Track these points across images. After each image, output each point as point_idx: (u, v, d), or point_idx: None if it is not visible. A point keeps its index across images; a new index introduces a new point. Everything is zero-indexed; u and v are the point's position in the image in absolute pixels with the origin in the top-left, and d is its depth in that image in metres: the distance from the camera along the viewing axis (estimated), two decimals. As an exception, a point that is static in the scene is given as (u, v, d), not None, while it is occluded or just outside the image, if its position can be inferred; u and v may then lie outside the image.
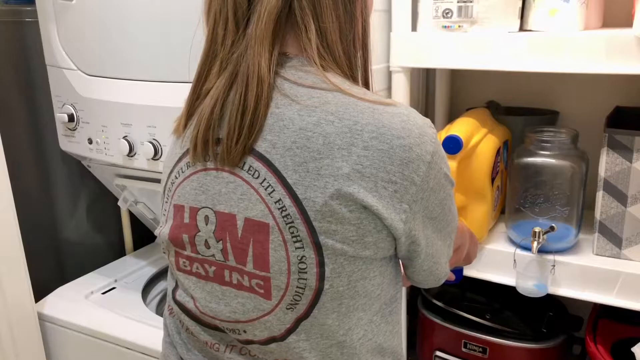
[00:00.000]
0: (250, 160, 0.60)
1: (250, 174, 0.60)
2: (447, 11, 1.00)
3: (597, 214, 1.01)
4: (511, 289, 1.06)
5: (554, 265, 1.02)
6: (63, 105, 1.25)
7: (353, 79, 0.65)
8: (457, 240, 0.74)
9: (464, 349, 1.20)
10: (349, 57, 0.64)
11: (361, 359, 0.65)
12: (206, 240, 0.64)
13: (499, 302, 1.22)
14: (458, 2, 0.98)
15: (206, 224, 0.63)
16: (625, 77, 0.96)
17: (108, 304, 1.31)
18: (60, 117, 1.25)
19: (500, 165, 1.12)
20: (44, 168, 1.49)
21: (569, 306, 1.24)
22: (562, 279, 1.02)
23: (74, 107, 1.23)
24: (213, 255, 0.64)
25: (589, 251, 1.05)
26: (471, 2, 0.97)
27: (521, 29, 1.01)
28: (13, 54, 1.39)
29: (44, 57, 1.21)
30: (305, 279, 0.59)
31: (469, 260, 0.88)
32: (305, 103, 0.59)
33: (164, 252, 0.71)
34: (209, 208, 0.63)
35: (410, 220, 0.59)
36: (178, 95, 1.02)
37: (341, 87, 0.59)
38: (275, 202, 0.58)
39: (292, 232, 0.58)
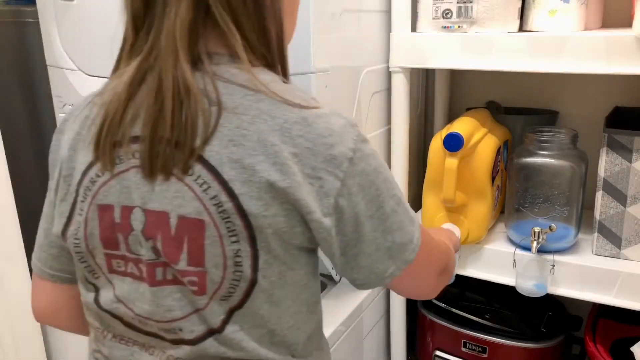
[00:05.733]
0: None
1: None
2: (446, 11, 1.00)
3: (597, 214, 1.02)
4: (511, 289, 1.06)
5: (553, 265, 1.02)
6: (64, 105, 1.25)
7: (272, 66, 0.66)
8: (440, 263, 0.75)
9: (463, 349, 1.20)
10: (268, 47, 0.65)
11: (290, 347, 0.67)
12: (139, 240, 0.64)
13: (498, 302, 1.23)
14: (458, 2, 0.98)
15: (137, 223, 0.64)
16: (625, 77, 0.96)
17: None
18: (61, 117, 1.25)
19: (500, 165, 1.12)
20: (45, 168, 1.49)
21: (568, 306, 1.24)
22: (562, 278, 1.02)
23: (75, 107, 1.22)
24: (144, 255, 0.64)
25: (589, 251, 1.05)
26: (471, 2, 0.98)
27: (521, 29, 1.01)
28: (14, 54, 1.39)
29: (45, 58, 1.21)
30: (241, 271, 0.61)
31: (449, 278, 0.88)
32: (240, 102, 0.60)
33: (79, 256, 0.68)
34: (139, 207, 0.63)
35: (336, 214, 0.61)
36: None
37: (269, 86, 0.61)
38: (211, 199, 0.59)
39: (229, 227, 0.59)
